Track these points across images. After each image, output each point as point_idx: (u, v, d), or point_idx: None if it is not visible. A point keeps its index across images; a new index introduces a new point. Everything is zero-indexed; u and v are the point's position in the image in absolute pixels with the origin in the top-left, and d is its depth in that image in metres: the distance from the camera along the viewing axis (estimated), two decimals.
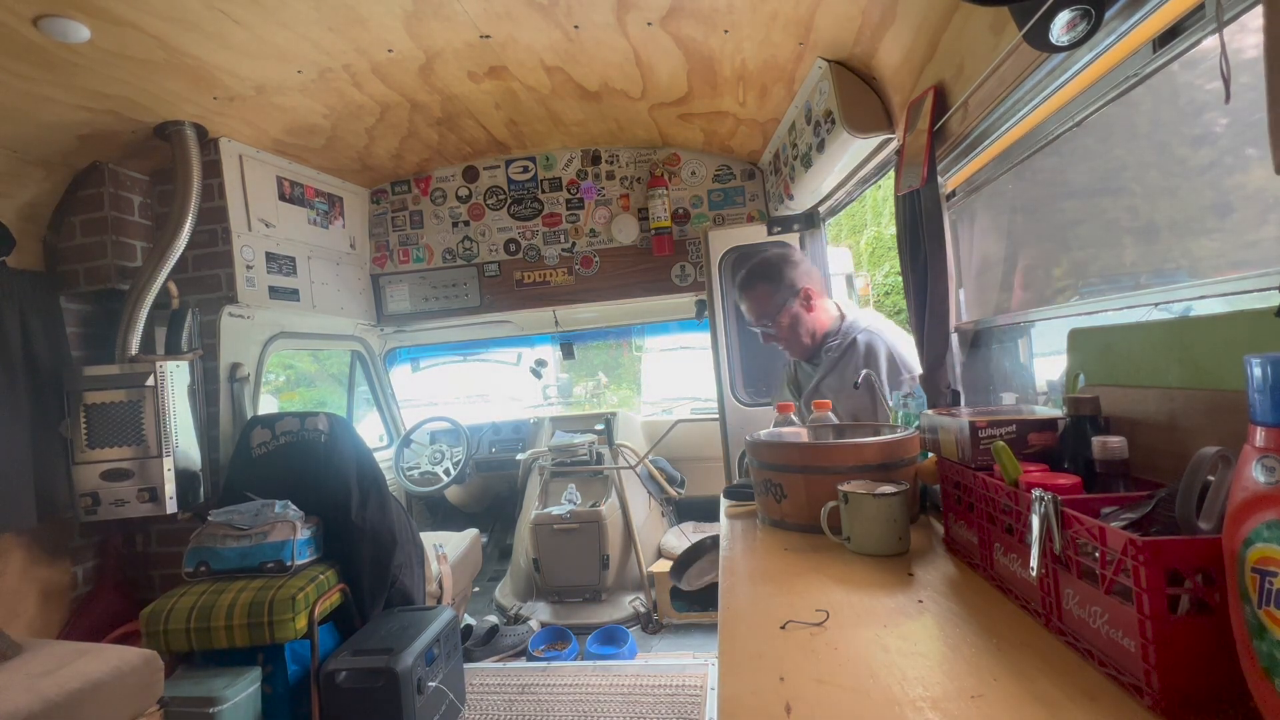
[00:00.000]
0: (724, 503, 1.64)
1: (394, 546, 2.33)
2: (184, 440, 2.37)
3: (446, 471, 3.50)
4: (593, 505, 3.22)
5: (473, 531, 3.24)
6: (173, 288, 2.47)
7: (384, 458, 3.45)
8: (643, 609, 3.08)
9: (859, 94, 1.97)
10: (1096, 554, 0.70)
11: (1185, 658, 0.61)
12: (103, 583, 2.48)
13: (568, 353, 4.08)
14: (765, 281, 1.99)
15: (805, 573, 1.10)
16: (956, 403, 1.73)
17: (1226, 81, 0.79)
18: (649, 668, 2.54)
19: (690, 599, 2.97)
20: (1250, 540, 0.53)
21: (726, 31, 2.05)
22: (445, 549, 2.84)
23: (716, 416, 3.06)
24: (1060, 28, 1.05)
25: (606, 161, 3.33)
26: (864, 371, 1.89)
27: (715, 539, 2.42)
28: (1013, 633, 0.82)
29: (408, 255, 3.45)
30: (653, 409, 4.60)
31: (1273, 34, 0.71)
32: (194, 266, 2.52)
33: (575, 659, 2.79)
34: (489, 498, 4.03)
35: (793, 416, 1.76)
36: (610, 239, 3.32)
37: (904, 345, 1.95)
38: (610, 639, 2.88)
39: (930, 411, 1.32)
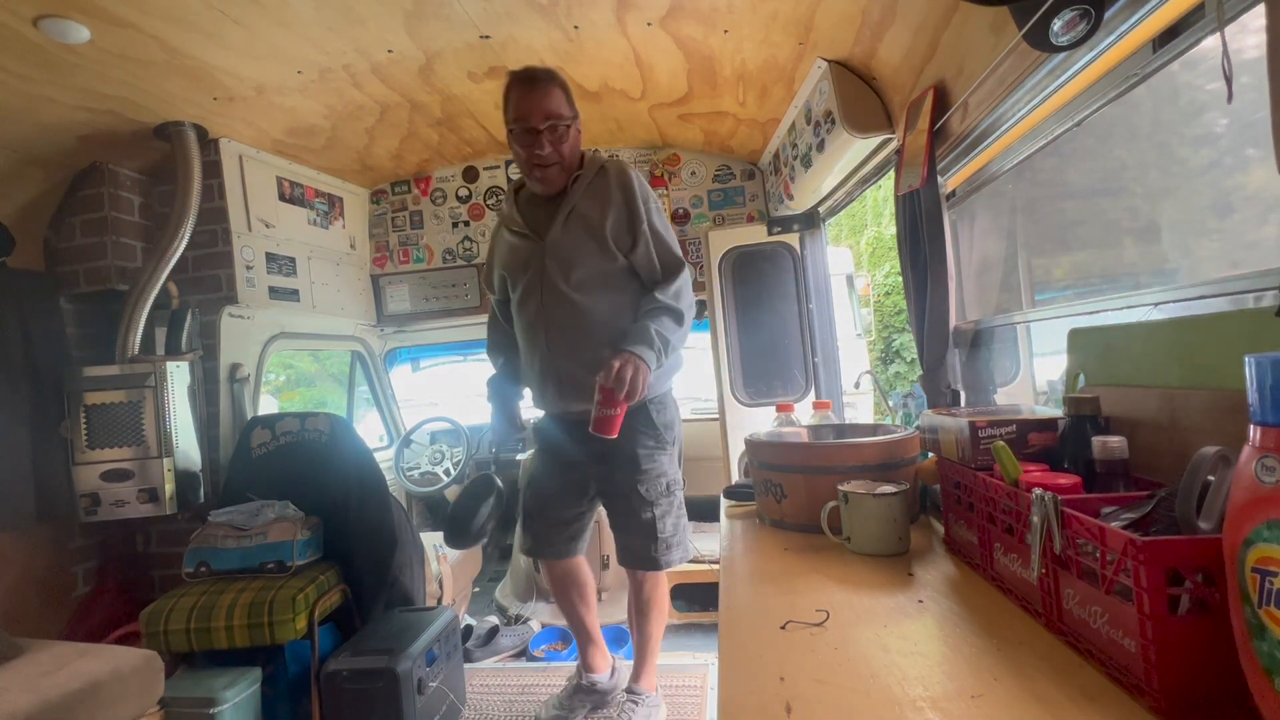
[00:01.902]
0: (724, 503, 1.64)
1: (394, 547, 2.33)
2: (184, 441, 2.37)
3: (446, 471, 3.50)
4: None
5: None
6: (173, 288, 2.47)
7: (384, 458, 3.45)
8: None
9: (859, 94, 1.97)
10: (1096, 554, 0.70)
11: (1185, 658, 0.61)
12: (103, 583, 2.48)
13: None
14: (563, 89, 1.75)
15: (805, 573, 1.10)
16: (956, 403, 1.73)
17: (1229, 81, 0.79)
18: None
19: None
20: (1250, 540, 0.53)
21: (726, 31, 2.05)
22: (445, 549, 2.84)
23: (716, 416, 3.06)
24: (1060, 28, 1.05)
25: None
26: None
27: (484, 482, 2.19)
28: (1013, 633, 0.82)
29: (408, 255, 3.45)
30: None
31: (1274, 34, 0.72)
32: (194, 267, 2.52)
33: (575, 659, 2.79)
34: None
35: (793, 417, 1.76)
36: None
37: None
38: (611, 639, 2.88)
39: (930, 411, 1.32)
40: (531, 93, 1.70)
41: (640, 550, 1.91)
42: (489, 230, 3.40)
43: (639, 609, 2.07)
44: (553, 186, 1.78)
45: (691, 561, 3.05)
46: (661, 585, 2.03)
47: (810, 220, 3.00)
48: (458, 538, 2.13)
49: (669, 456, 1.91)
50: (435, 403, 4.64)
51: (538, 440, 2.04)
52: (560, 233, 1.76)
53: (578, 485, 1.98)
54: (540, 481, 2.02)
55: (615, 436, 1.64)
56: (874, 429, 1.58)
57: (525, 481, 2.08)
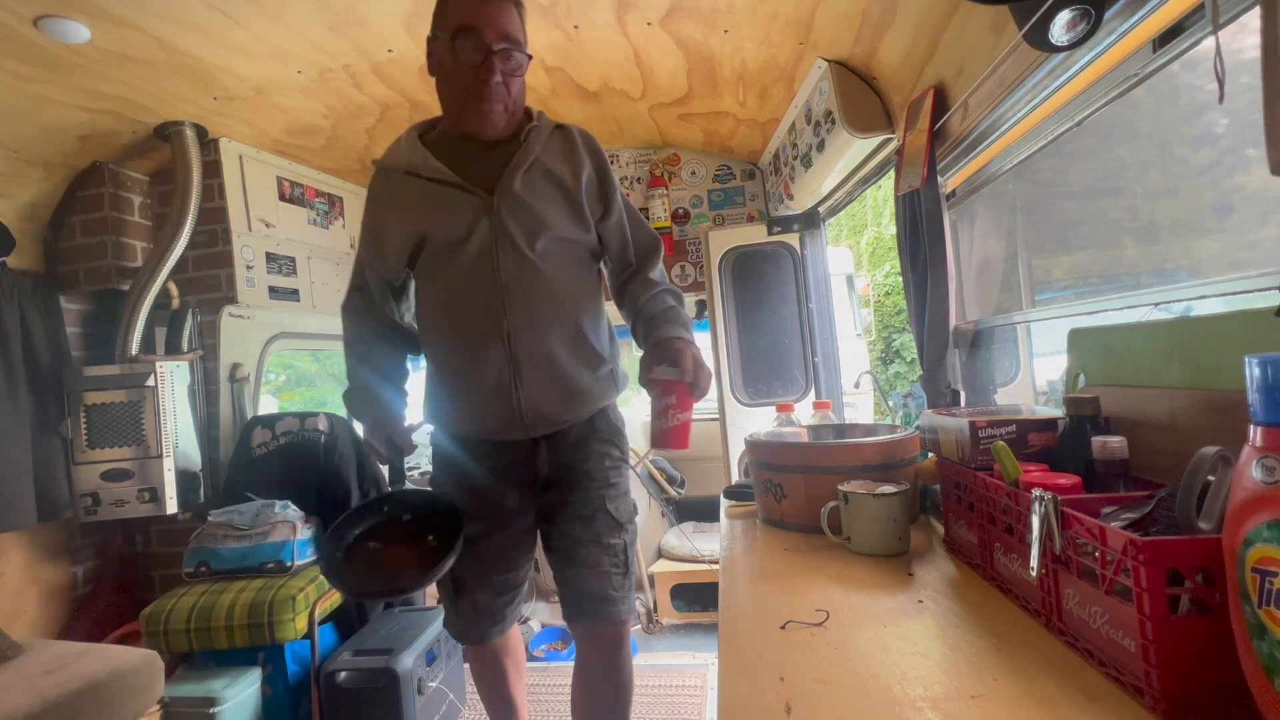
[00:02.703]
0: (724, 503, 1.64)
1: None
2: (184, 440, 2.37)
3: None
4: None
5: None
6: (173, 288, 2.47)
7: None
8: (642, 609, 3.08)
9: (859, 94, 1.97)
10: (1096, 554, 0.70)
11: (1185, 658, 0.61)
12: (103, 583, 2.48)
13: None
14: (522, 14, 1.35)
15: (805, 573, 1.10)
16: (956, 403, 1.73)
17: (1221, 83, 0.79)
18: (649, 668, 2.54)
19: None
20: (1250, 540, 0.53)
21: (726, 31, 2.05)
22: None
23: (716, 416, 3.06)
24: (1060, 28, 1.05)
25: None
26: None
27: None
28: (1013, 633, 0.82)
29: None
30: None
31: (1269, 36, 0.72)
32: (194, 266, 2.52)
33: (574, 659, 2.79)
34: None
35: (793, 417, 1.76)
36: None
37: None
38: None
39: (930, 411, 1.32)
40: (487, 1, 1.28)
41: (602, 590, 1.41)
42: None
43: (601, 696, 1.49)
44: (492, 129, 1.33)
45: (691, 561, 3.05)
46: (626, 645, 1.49)
47: (810, 220, 3.00)
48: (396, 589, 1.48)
49: (628, 475, 1.54)
50: None
51: (459, 483, 1.46)
52: (521, 186, 1.34)
53: (528, 533, 1.50)
54: (477, 540, 1.44)
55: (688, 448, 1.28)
56: (874, 429, 1.58)
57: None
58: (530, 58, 1.34)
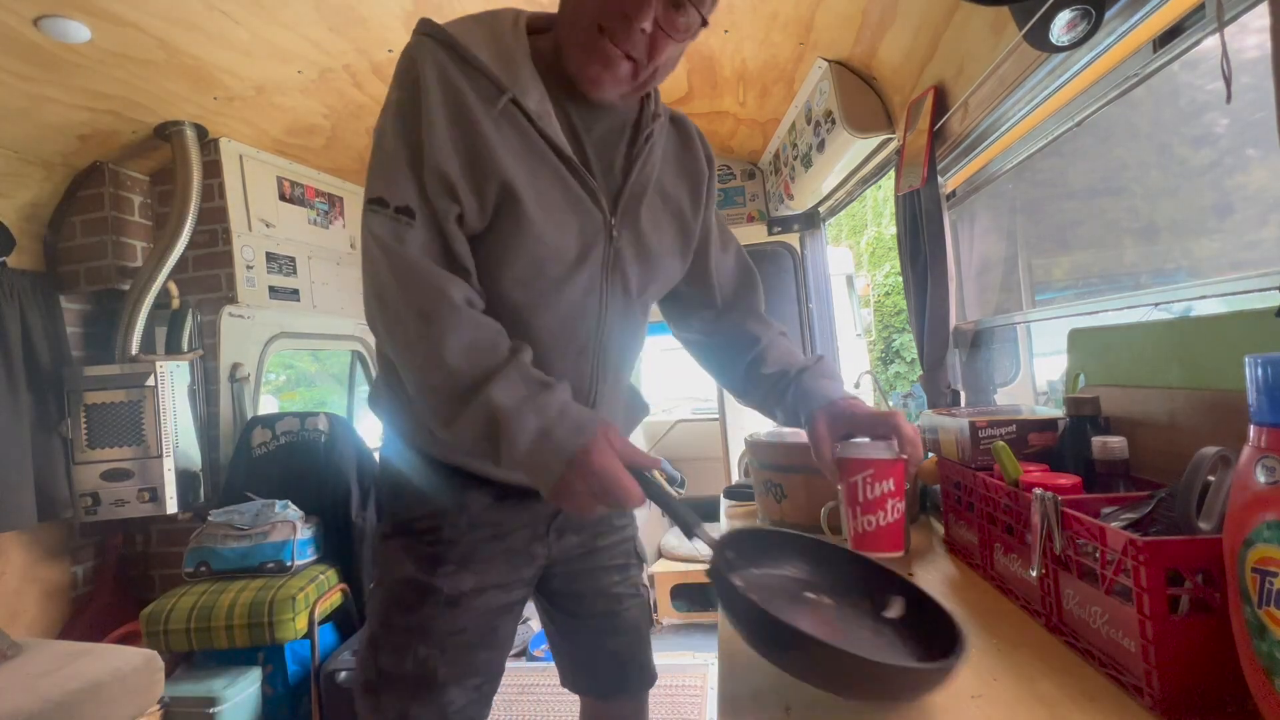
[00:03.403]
0: (724, 503, 1.64)
1: None
2: (184, 440, 2.37)
3: None
4: None
5: None
6: (173, 288, 2.47)
7: None
8: None
9: (859, 94, 1.97)
10: (1096, 554, 0.70)
11: (1185, 658, 0.61)
12: (103, 583, 2.48)
13: None
14: None
15: None
16: (956, 403, 1.73)
17: (1228, 81, 0.80)
18: None
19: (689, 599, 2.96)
20: (1250, 540, 0.53)
21: (726, 31, 2.05)
22: None
23: (716, 416, 3.06)
24: (1060, 28, 1.05)
25: None
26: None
27: None
28: (1013, 633, 0.82)
29: None
30: (653, 409, 4.61)
31: (1279, 34, 0.72)
32: (194, 266, 2.52)
33: None
34: None
35: None
36: None
37: None
38: None
39: (930, 411, 1.32)
40: None
41: (646, 656, 1.18)
42: None
43: None
44: (598, 90, 0.89)
45: (691, 561, 3.05)
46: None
47: (810, 220, 3.00)
48: None
49: None
50: None
51: (439, 509, 0.98)
52: (645, 211, 0.97)
53: (526, 590, 1.07)
54: (460, 599, 0.98)
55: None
56: None
57: (423, 609, 0.99)
58: (706, 24, 0.86)
